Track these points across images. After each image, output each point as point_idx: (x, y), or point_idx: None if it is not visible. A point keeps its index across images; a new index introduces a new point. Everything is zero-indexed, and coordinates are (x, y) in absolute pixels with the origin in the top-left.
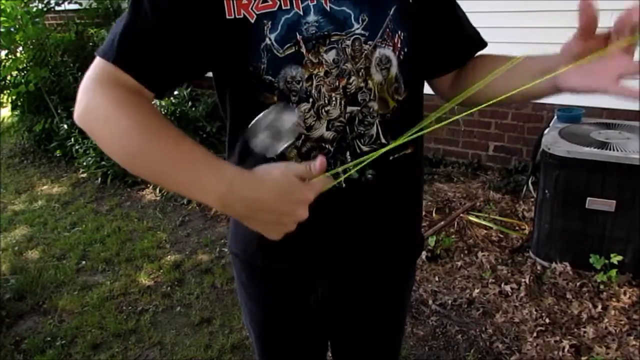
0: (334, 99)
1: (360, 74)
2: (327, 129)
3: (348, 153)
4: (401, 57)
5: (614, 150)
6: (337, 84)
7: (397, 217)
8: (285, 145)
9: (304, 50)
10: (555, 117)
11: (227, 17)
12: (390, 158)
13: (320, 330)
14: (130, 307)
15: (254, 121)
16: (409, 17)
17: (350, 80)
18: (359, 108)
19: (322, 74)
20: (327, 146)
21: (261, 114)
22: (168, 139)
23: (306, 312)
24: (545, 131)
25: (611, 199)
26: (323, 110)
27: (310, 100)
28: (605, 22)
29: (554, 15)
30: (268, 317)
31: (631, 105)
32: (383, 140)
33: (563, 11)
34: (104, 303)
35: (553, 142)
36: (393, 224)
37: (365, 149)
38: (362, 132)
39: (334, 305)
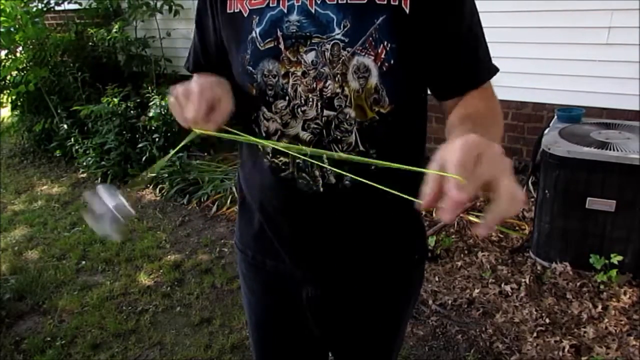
0: (310, 100)
1: (337, 79)
2: (303, 129)
3: (325, 156)
4: (384, 68)
5: (614, 150)
6: (314, 85)
7: (382, 224)
8: (113, 226)
9: (282, 46)
10: (555, 117)
11: (228, 11)
12: (373, 168)
13: (314, 334)
14: (130, 307)
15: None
16: (402, 29)
17: (327, 84)
18: (335, 113)
19: (299, 73)
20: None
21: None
22: None
23: (297, 310)
24: (545, 131)
25: (611, 199)
26: (299, 110)
27: (287, 98)
28: (606, 22)
29: (553, 15)
30: (262, 309)
31: (631, 105)
32: (362, 148)
33: (563, 11)
34: (103, 303)
35: (553, 142)
36: (378, 232)
37: (343, 155)
38: (339, 137)
39: (324, 308)
